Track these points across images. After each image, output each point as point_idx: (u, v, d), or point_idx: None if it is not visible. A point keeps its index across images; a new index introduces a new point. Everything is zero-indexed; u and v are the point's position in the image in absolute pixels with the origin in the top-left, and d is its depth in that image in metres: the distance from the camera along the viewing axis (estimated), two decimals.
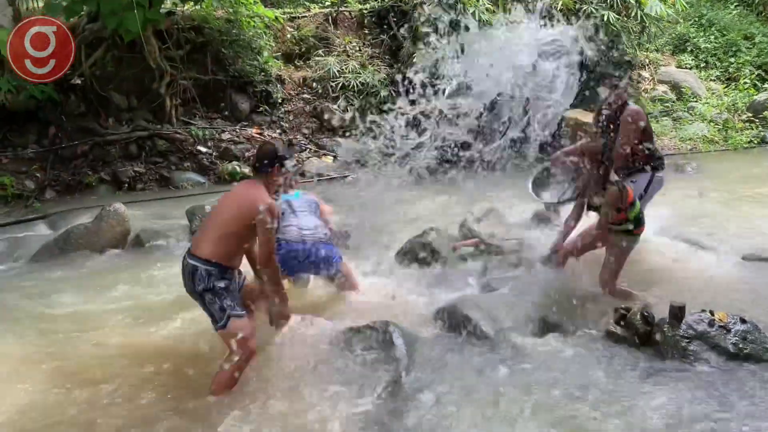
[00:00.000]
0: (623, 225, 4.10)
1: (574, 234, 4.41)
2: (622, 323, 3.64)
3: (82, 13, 8.79)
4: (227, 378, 3.33)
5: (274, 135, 9.92)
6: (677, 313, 3.46)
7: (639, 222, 4.13)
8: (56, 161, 8.75)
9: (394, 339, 3.57)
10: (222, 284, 3.33)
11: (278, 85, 10.43)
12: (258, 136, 9.59)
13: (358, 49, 11.27)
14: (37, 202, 8.12)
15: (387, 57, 11.16)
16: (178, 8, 9.91)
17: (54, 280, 5.51)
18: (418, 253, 5.26)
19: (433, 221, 6.77)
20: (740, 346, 3.39)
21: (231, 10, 9.97)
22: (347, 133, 9.99)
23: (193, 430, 3.09)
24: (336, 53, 10.97)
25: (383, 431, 2.94)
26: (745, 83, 13.19)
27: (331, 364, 3.49)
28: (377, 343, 3.56)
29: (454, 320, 3.87)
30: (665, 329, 3.50)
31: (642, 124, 4.70)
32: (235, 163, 9.12)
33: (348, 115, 10.09)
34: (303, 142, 9.94)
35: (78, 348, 4.08)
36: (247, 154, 9.25)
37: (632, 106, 4.84)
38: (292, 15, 11.64)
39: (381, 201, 7.80)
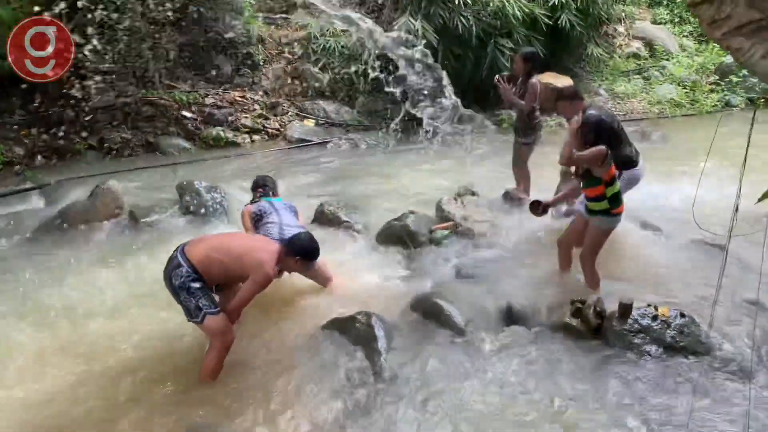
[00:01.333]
0: (601, 203, 4.21)
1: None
2: (577, 316, 4.13)
3: None
4: (211, 366, 3.73)
5: (255, 97, 10.11)
6: (624, 311, 3.96)
7: (617, 201, 4.22)
8: (42, 127, 8.91)
9: (375, 331, 4.03)
10: (197, 285, 3.66)
11: (259, 46, 10.53)
12: (241, 99, 9.78)
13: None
14: (28, 170, 8.35)
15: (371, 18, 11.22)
16: None
17: (56, 257, 5.85)
18: (398, 236, 5.68)
19: (412, 190, 7.20)
20: (677, 339, 3.91)
21: None
22: (329, 97, 10.22)
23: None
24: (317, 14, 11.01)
25: (365, 422, 3.43)
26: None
27: (313, 355, 3.96)
28: (360, 334, 4.03)
29: (428, 310, 4.33)
30: (614, 323, 4.01)
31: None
32: (218, 128, 9.35)
33: (327, 78, 10.27)
34: (284, 105, 10.14)
35: (87, 327, 4.51)
36: (230, 118, 9.48)
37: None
38: None
39: (360, 169, 8.16)
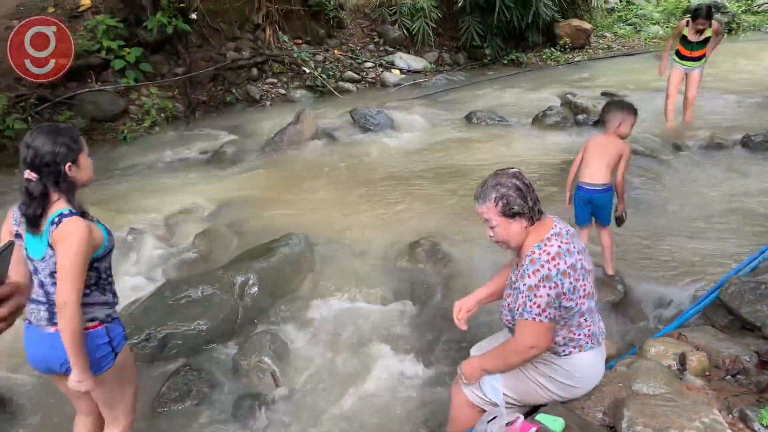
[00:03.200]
0: None
1: None
2: None
3: None
4: None
5: (346, 53, 12.22)
6: None
7: None
8: (191, 87, 10.74)
9: None
10: None
11: (341, 11, 12.61)
12: (341, 56, 11.88)
13: None
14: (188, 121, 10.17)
15: None
16: None
17: (296, 160, 7.91)
18: (555, 121, 8.09)
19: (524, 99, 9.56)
20: None
21: None
22: (408, 51, 12.48)
23: None
24: None
25: None
26: None
27: None
28: None
29: None
30: None
31: None
32: (330, 80, 11.43)
33: (398, 34, 12.51)
34: (371, 59, 12.30)
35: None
36: (338, 74, 11.60)
37: None
38: None
39: (484, 91, 10.50)
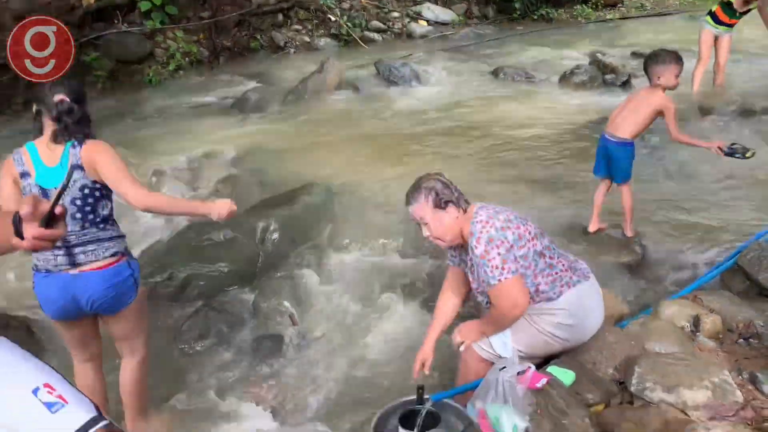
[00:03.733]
0: None
1: None
2: None
3: None
4: None
5: (372, 2, 12.02)
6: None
7: None
8: (216, 31, 10.67)
9: None
10: None
11: None
12: (368, 4, 11.70)
13: None
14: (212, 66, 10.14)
15: None
16: None
17: (319, 110, 7.89)
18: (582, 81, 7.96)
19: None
20: None
21: None
22: (436, 1, 12.25)
23: None
24: None
25: None
26: None
27: None
28: None
29: None
30: None
31: None
32: (356, 29, 11.28)
33: None
34: (398, 10, 12.09)
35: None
36: (363, 23, 11.45)
37: None
38: None
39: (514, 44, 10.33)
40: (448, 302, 2.90)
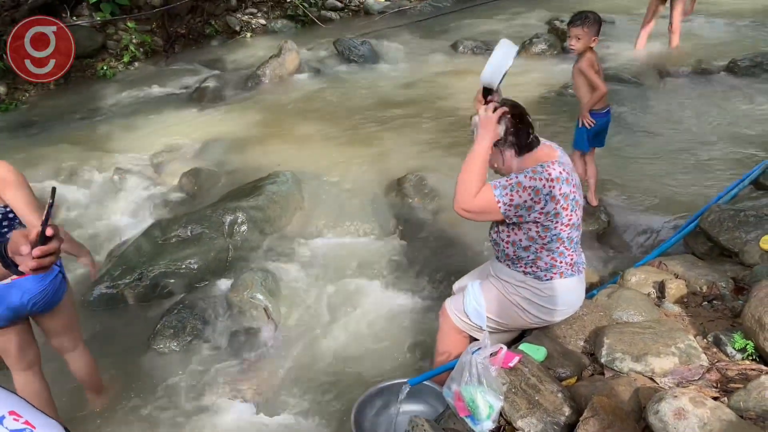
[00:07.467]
0: None
1: None
2: None
3: None
4: None
5: None
6: None
7: None
8: (169, 19, 10.42)
9: None
10: None
11: None
12: None
13: None
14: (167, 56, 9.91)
15: None
16: None
17: (280, 95, 7.79)
18: None
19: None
20: None
21: None
22: None
23: None
24: None
25: None
26: None
27: None
28: None
29: None
30: None
31: None
32: (312, 8, 11.12)
33: None
34: None
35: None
36: (320, 2, 11.27)
37: None
38: None
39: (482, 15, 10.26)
40: None
